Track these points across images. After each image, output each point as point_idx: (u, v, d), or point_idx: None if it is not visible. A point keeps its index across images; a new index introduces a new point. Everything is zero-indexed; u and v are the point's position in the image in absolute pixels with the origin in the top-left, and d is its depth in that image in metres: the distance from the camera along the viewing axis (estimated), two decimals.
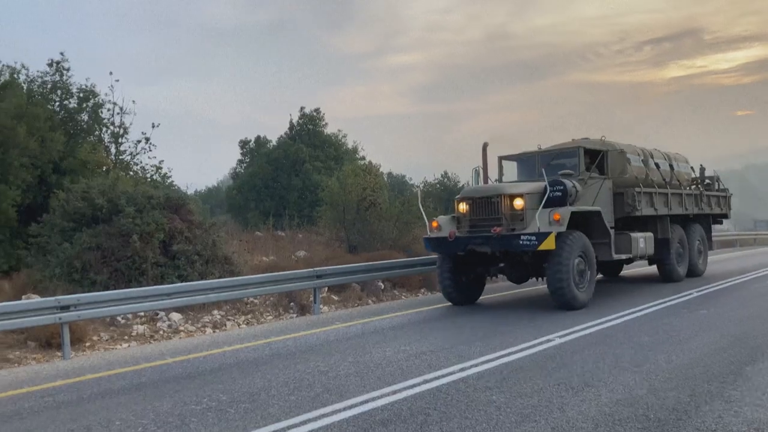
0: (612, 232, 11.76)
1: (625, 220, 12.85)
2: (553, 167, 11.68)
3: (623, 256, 12.20)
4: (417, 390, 5.98)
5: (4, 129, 14.47)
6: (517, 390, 5.87)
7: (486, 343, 8.11)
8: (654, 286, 13.73)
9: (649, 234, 12.94)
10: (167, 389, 6.48)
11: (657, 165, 14.20)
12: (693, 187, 15.99)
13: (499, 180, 13.08)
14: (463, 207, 11.41)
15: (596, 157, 12.22)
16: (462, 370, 6.69)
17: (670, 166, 14.90)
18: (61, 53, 18.73)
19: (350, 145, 36.19)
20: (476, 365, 6.88)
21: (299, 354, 8.02)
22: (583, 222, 11.18)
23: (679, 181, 14.94)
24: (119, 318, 10.28)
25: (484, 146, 12.99)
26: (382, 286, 14.10)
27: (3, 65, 17.57)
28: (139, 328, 10.12)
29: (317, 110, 36.05)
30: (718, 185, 16.76)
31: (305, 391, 6.12)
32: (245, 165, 36.37)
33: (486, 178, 12.93)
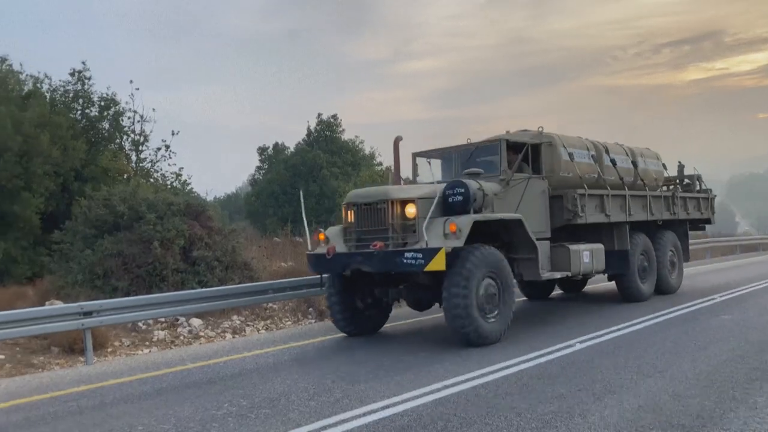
0: (542, 244, 9.49)
1: (571, 230, 10.85)
2: (476, 165, 9.67)
3: (557, 274, 9.83)
4: (438, 395, 5.95)
5: (28, 138, 14.73)
6: (537, 396, 5.82)
7: (506, 348, 8.06)
8: (678, 292, 13.55)
9: (598, 246, 10.70)
10: (188, 394, 6.53)
11: (613, 162, 11.75)
12: (666, 188, 14.00)
13: (413, 181, 10.81)
14: (350, 215, 9.13)
15: (521, 152, 9.78)
16: (483, 375, 6.66)
17: (633, 163, 12.41)
18: (83, 62, 19.02)
19: (367, 151, 36.30)
20: (498, 371, 6.84)
21: (318, 359, 8.04)
22: (505, 233, 9.25)
23: (644, 181, 12.53)
24: (140, 324, 10.38)
25: (396, 141, 10.64)
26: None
27: (26, 75, 17.93)
28: (160, 334, 10.21)
29: (334, 116, 36.23)
30: (700, 186, 14.58)
31: (325, 396, 6.13)
32: (264, 171, 36.62)
33: (398, 179, 10.58)
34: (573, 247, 10.06)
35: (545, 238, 9.86)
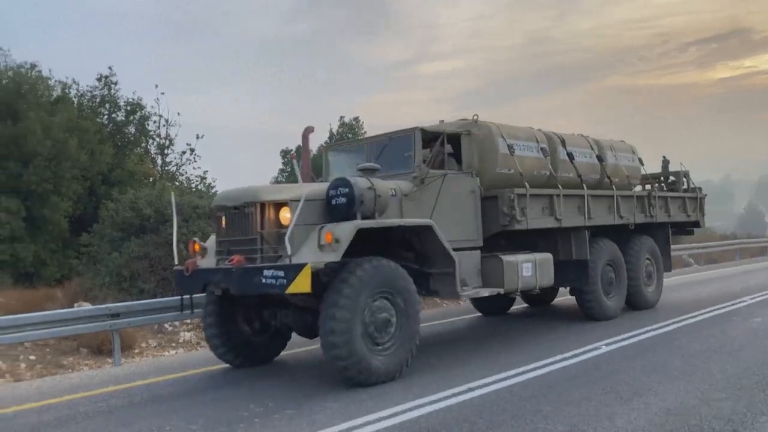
0: (466, 255, 7.94)
1: (517, 237, 9.24)
2: (389, 160, 8.13)
3: (484, 292, 8.08)
4: (462, 398, 5.94)
5: (57, 143, 15.02)
6: (564, 398, 5.78)
7: (531, 350, 8.01)
8: (705, 292, 13.35)
9: (544, 256, 8.92)
10: (215, 395, 6.60)
11: (570, 156, 10.00)
12: (642, 187, 12.36)
13: (325, 179, 8.94)
14: (222, 221, 7.42)
15: (448, 143, 8.27)
16: (508, 378, 6.63)
17: (599, 158, 10.63)
18: (109, 68, 19.37)
19: None
20: (522, 373, 6.81)
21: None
22: (418, 242, 7.62)
23: (610, 179, 10.69)
24: (167, 325, 10.51)
25: (306, 132, 9.03)
26: None
27: (55, 81, 18.27)
28: (186, 335, 10.33)
29: (356, 119, 36.25)
30: (687, 184, 12.83)
31: (350, 398, 6.15)
32: (286, 174, 36.79)
33: (307, 174, 8.67)
34: (508, 258, 8.33)
35: (474, 248, 8.25)
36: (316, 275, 6.29)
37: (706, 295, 13.06)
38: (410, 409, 5.64)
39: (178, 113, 32.34)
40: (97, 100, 18.95)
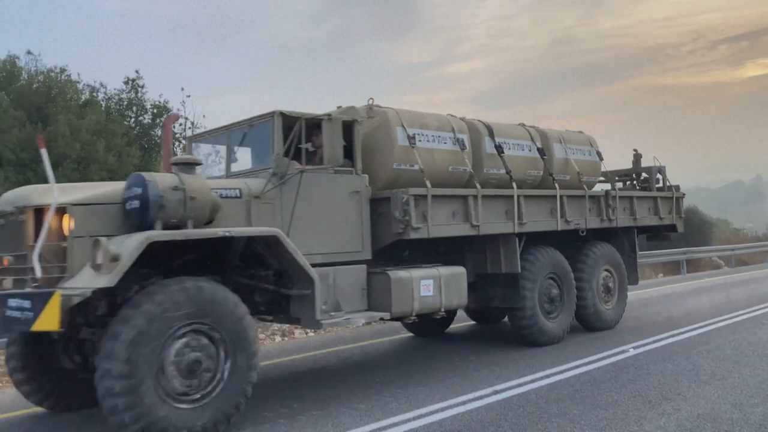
0: (340, 273, 6.47)
1: (432, 247, 7.74)
2: (254, 152, 7.13)
3: (360, 319, 6.58)
4: (488, 401, 5.90)
5: (86, 145, 15.26)
6: (591, 402, 5.70)
7: (557, 353, 7.93)
8: (736, 294, 13.10)
9: (453, 271, 7.30)
10: None
11: (500, 148, 8.35)
12: (623, 185, 11.01)
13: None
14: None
15: (309, 131, 6.42)
16: (534, 381, 6.56)
17: (540, 150, 8.94)
18: (136, 71, 19.59)
19: None
20: (548, 376, 6.74)
21: (368, 362, 8.06)
22: (270, 256, 6.05)
23: (553, 175, 8.98)
24: None
25: (167, 122, 7.79)
26: None
27: (84, 84, 18.57)
28: None
29: None
30: (663, 182, 11.13)
31: (374, 399, 6.14)
32: None
33: (167, 165, 6.83)
34: (398, 274, 6.74)
35: (359, 261, 6.75)
36: (83, 307, 4.94)
37: (738, 297, 12.81)
38: (435, 412, 5.61)
39: (204, 116, 32.68)
40: (125, 103, 19.24)
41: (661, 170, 11.16)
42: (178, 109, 20.05)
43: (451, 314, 9.28)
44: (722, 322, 9.80)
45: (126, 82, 19.30)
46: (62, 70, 17.62)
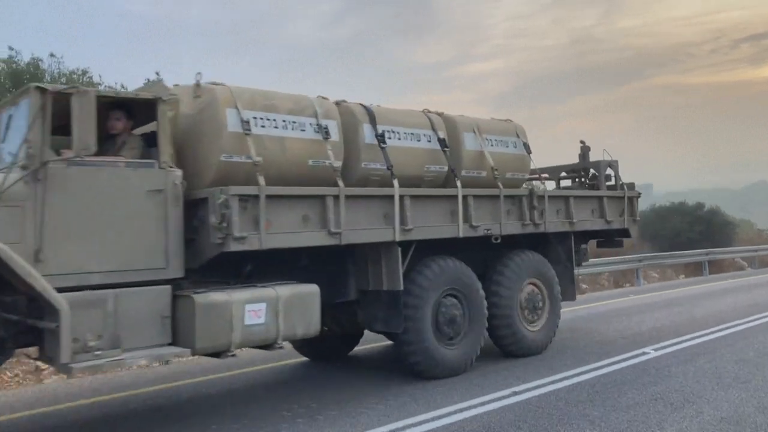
0: (121, 296, 4.95)
1: (278, 261, 6.08)
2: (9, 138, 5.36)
3: (142, 359, 5.19)
4: (506, 402, 5.87)
5: None
6: (611, 404, 5.65)
7: (577, 354, 7.87)
8: (761, 295, 12.90)
9: (299, 291, 5.79)
10: (259, 395, 6.67)
11: (381, 138, 6.75)
12: (529, 183, 8.70)
13: None
14: None
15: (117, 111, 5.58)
16: (553, 382, 6.52)
17: (442, 141, 7.34)
18: (156, 73, 19.76)
19: None
20: (568, 378, 6.69)
21: (386, 362, 8.05)
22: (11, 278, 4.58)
23: (454, 171, 7.28)
24: None
25: None
26: None
27: (106, 86, 18.76)
28: None
29: None
30: (615, 179, 9.74)
31: (392, 399, 6.14)
32: None
33: None
34: (209, 297, 5.24)
35: (163, 281, 5.25)
36: None
37: (761, 299, 12.61)
38: (454, 413, 5.60)
39: None
40: None
41: (612, 165, 9.79)
42: None
43: (357, 337, 8.54)
44: (745, 324, 9.66)
45: (146, 84, 19.50)
46: (84, 72, 17.80)
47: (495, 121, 8.42)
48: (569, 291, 8.82)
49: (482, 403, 5.85)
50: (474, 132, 7.78)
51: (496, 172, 7.64)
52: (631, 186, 9.64)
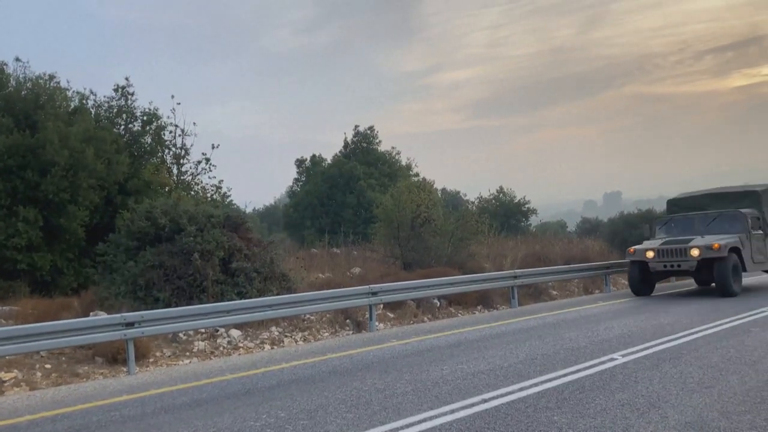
0: None
1: None
2: None
3: None
4: (475, 409, 5.88)
5: (74, 152, 15.13)
6: (579, 410, 5.70)
7: (545, 361, 7.93)
8: (724, 302, 13.15)
9: None
10: (227, 405, 6.58)
11: None
12: None
13: None
14: None
15: None
16: (521, 389, 6.55)
17: None
18: (126, 78, 19.46)
19: (404, 162, 36.37)
20: (536, 384, 6.73)
21: (356, 371, 8.02)
22: None
23: None
24: (181, 334, 10.53)
25: None
26: (438, 303, 14.00)
27: (73, 91, 18.43)
28: (200, 345, 10.34)
29: (371, 128, 36.52)
30: None
31: (362, 408, 6.11)
32: (301, 183, 37.01)
33: None
34: None
35: None
36: None
37: (725, 305, 12.85)
38: (423, 421, 5.58)
39: (194, 123, 32.50)
40: (114, 110, 19.09)
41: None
42: (168, 117, 20.01)
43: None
44: (710, 330, 9.83)
45: (116, 90, 19.18)
46: (51, 77, 17.48)
47: None
48: None
49: (452, 411, 5.85)
50: None
51: None
52: None
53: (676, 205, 17.34)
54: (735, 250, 14.34)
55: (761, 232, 15.36)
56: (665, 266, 14.66)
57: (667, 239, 15.20)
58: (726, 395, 6.01)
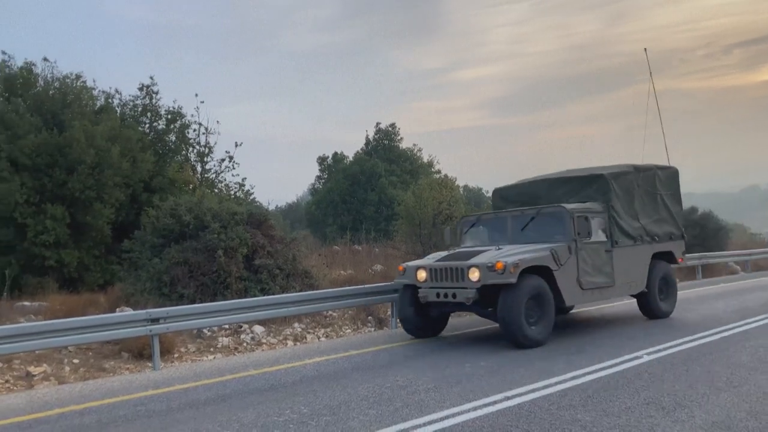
0: None
1: None
2: None
3: None
4: (498, 407, 5.85)
5: (100, 151, 15.38)
6: (603, 409, 5.64)
7: (570, 359, 7.87)
8: (752, 300, 12.92)
9: None
10: (251, 401, 6.63)
11: None
12: None
13: None
14: None
15: None
16: (546, 387, 6.51)
17: None
18: (151, 77, 19.73)
19: (425, 159, 36.34)
20: (561, 382, 6.67)
21: (378, 368, 8.03)
22: None
23: None
24: (205, 330, 10.64)
25: None
26: None
27: (99, 91, 18.73)
28: (224, 341, 10.43)
29: (392, 125, 36.53)
30: None
31: (385, 405, 6.11)
32: (323, 181, 37.16)
33: None
34: None
35: None
36: None
37: (754, 303, 12.64)
38: (445, 418, 5.58)
39: (218, 121, 32.92)
40: (139, 109, 19.38)
41: None
42: (192, 115, 20.21)
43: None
44: (738, 328, 9.67)
45: (140, 89, 19.44)
46: (78, 77, 17.78)
47: None
48: None
49: (474, 408, 5.83)
50: None
51: None
52: None
53: (502, 197, 12.18)
54: (539, 270, 9.20)
55: (604, 238, 10.25)
56: (438, 295, 9.49)
57: (451, 252, 10.36)
58: (754, 395, 5.90)
